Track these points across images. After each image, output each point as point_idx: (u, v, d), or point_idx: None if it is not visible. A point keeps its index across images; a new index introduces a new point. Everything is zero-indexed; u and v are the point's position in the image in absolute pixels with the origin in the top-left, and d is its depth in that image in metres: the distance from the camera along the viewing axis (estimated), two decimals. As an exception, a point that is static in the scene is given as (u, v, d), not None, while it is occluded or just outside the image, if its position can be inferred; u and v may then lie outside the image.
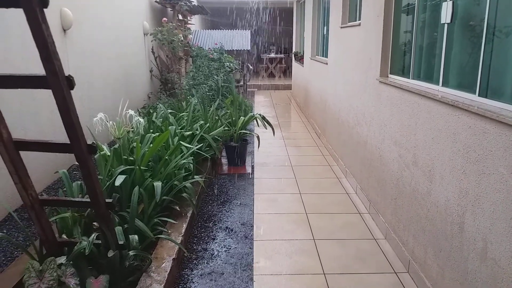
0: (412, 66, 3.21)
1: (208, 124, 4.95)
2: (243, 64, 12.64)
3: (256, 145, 6.73)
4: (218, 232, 3.63)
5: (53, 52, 1.81)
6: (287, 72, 15.84)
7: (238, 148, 5.43)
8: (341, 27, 5.32)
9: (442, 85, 2.72)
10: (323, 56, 7.22)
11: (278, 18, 16.79)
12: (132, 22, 7.26)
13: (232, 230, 3.66)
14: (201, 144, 4.46)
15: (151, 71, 8.51)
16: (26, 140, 2.19)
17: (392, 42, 3.60)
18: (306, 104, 8.74)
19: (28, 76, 1.92)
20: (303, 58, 9.35)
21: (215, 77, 7.83)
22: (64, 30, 4.56)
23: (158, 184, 3.19)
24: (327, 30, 6.56)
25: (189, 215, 3.53)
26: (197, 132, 4.58)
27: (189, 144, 4.35)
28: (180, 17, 10.21)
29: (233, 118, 5.53)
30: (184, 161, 3.83)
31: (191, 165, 4.09)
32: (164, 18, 7.08)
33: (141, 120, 3.52)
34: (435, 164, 2.62)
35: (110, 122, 3.33)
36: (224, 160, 5.72)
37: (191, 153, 4.08)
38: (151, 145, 3.59)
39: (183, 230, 3.26)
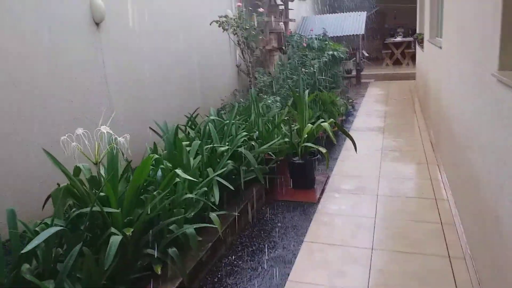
0: None
1: (254, 134, 3.78)
2: (355, 51, 10.87)
3: (341, 156, 5.25)
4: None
5: None
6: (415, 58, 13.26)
7: (302, 167, 4.12)
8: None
9: None
10: (439, 37, 5.23)
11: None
12: (209, 11, 6.40)
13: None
14: (224, 169, 3.28)
15: (238, 66, 7.63)
16: None
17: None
18: (425, 101, 6.71)
19: None
20: (423, 40, 7.28)
21: (303, 69, 6.51)
22: (97, 24, 3.90)
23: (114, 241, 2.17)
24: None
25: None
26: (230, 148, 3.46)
27: (221, 164, 3.28)
28: (279, 1, 9.06)
29: (298, 126, 4.21)
30: (190, 195, 2.77)
31: (216, 196, 3.04)
32: (239, 3, 6.01)
33: (121, 139, 2.56)
34: None
35: (73, 143, 2.43)
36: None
37: (209, 181, 3.01)
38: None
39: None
